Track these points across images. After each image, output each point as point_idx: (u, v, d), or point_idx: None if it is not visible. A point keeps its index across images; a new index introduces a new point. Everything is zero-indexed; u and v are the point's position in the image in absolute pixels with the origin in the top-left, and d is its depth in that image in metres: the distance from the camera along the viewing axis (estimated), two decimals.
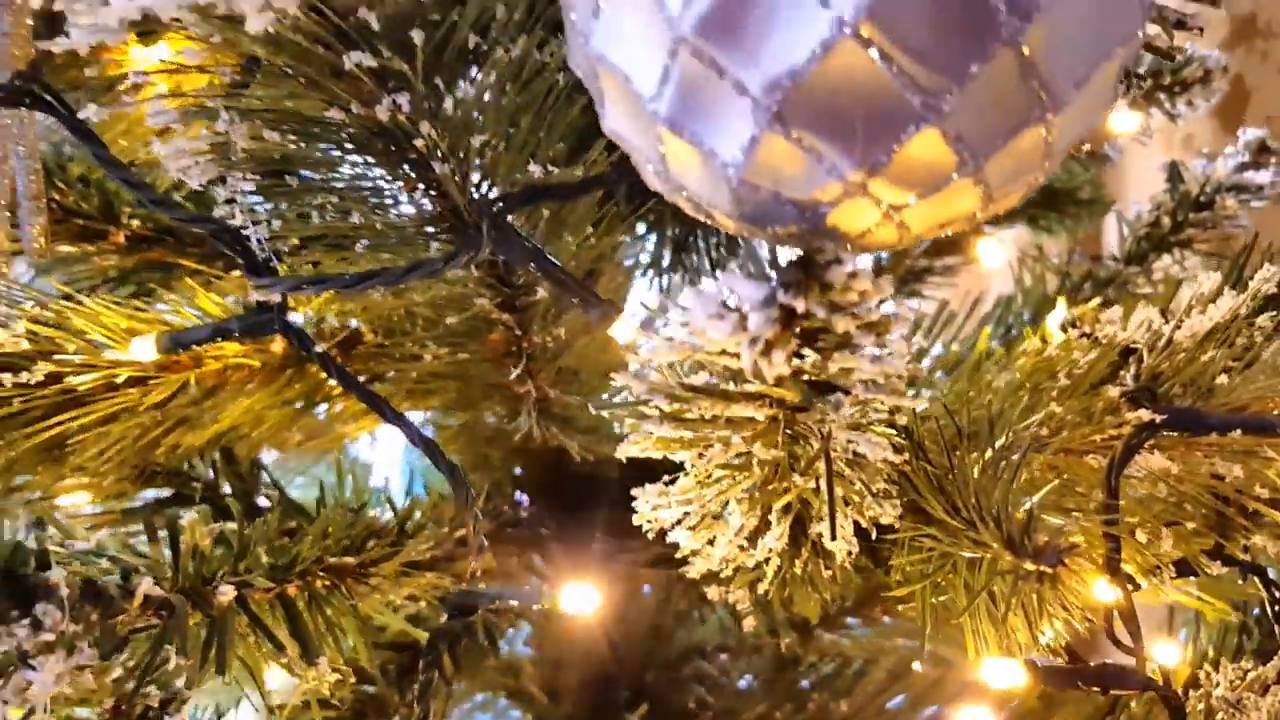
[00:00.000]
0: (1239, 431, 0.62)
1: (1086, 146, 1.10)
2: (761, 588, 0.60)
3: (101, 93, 0.70)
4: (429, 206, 0.59)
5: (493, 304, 0.66)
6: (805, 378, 0.44)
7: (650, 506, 0.53)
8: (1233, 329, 0.66)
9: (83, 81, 0.71)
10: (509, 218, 0.57)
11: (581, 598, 0.60)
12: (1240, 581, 0.72)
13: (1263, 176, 1.04)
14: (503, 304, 0.67)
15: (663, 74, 0.37)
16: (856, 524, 0.55)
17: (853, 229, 0.39)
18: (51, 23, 0.65)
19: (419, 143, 0.53)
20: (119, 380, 0.65)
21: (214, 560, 0.56)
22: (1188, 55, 0.96)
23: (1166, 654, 0.77)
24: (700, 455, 0.50)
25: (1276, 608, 0.71)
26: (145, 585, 0.50)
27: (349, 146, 0.56)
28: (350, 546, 0.65)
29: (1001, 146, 0.37)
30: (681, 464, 0.53)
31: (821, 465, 0.49)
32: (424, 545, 0.67)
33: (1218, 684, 0.70)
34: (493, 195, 0.57)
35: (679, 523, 0.55)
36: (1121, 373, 0.68)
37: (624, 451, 0.50)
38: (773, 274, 0.39)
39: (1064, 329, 0.81)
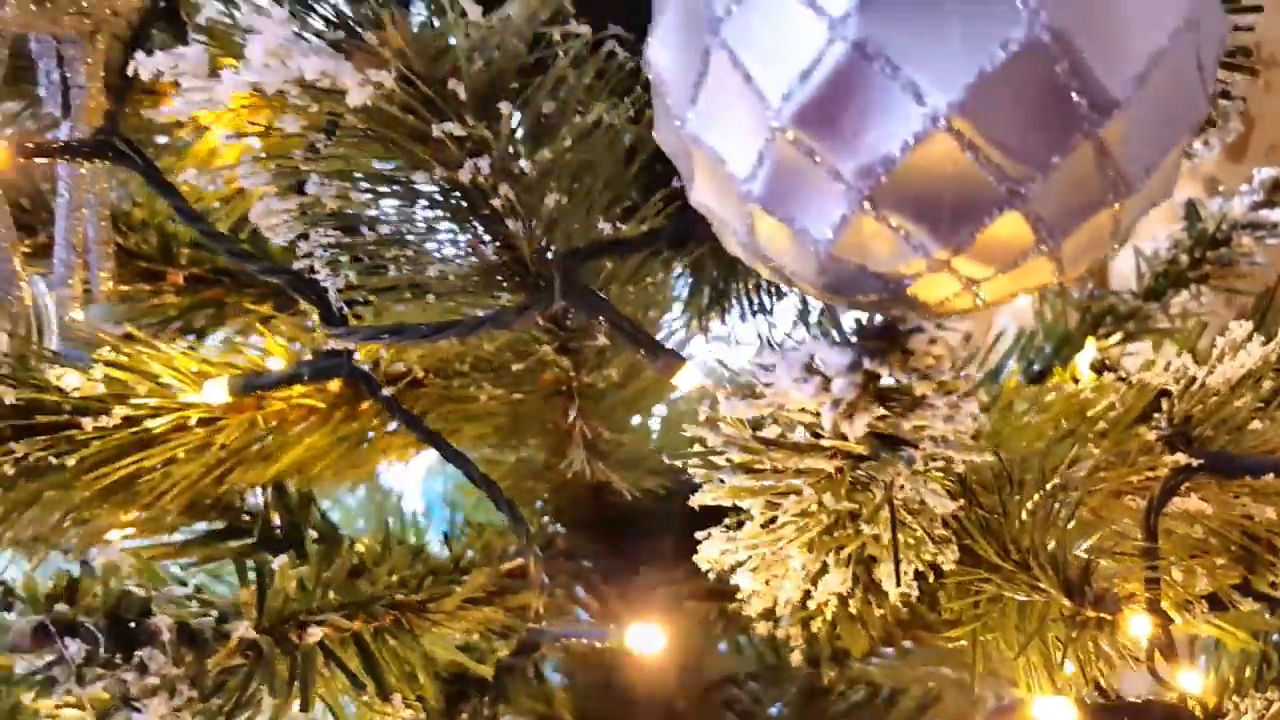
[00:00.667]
0: (1272, 475, 0.65)
1: None
2: (815, 625, 0.63)
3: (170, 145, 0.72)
4: (494, 258, 0.62)
5: (552, 349, 0.68)
6: (877, 432, 0.46)
7: (718, 552, 0.55)
8: (1263, 373, 0.68)
9: (143, 126, 0.73)
10: (578, 271, 0.59)
11: (647, 638, 0.62)
12: (1269, 615, 0.75)
13: (1277, 214, 1.07)
14: (559, 347, 0.70)
15: (758, 158, 0.40)
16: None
17: (932, 299, 0.42)
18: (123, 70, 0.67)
19: (495, 202, 0.56)
20: (190, 421, 0.67)
21: (294, 600, 0.58)
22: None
23: (1190, 682, 0.79)
24: (771, 505, 0.52)
25: None
26: (242, 629, 0.52)
27: (423, 203, 0.59)
28: (411, 583, 0.67)
29: (1077, 227, 0.39)
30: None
31: (885, 513, 0.52)
32: (481, 581, 0.69)
33: (1246, 712, 0.72)
34: (561, 250, 0.60)
35: (741, 565, 0.57)
36: (1155, 415, 0.71)
37: (698, 500, 0.52)
38: (858, 341, 0.41)
39: (1094, 369, 0.83)
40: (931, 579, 0.57)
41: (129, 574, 0.55)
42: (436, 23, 0.50)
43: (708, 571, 0.59)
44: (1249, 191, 1.08)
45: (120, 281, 0.81)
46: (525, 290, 0.62)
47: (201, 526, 0.86)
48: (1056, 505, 0.56)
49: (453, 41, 0.50)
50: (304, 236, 0.57)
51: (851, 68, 0.36)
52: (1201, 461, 0.64)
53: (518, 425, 0.80)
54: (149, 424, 0.65)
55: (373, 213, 0.57)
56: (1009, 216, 0.38)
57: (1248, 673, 0.89)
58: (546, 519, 0.96)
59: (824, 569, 0.57)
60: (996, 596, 0.57)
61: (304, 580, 0.60)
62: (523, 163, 0.55)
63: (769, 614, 0.62)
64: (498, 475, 0.87)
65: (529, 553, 0.64)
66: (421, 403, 0.78)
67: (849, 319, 0.45)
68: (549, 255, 0.61)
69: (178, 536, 0.84)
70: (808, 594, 0.59)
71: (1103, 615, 0.52)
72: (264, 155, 0.53)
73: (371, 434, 0.84)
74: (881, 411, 0.44)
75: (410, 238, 0.59)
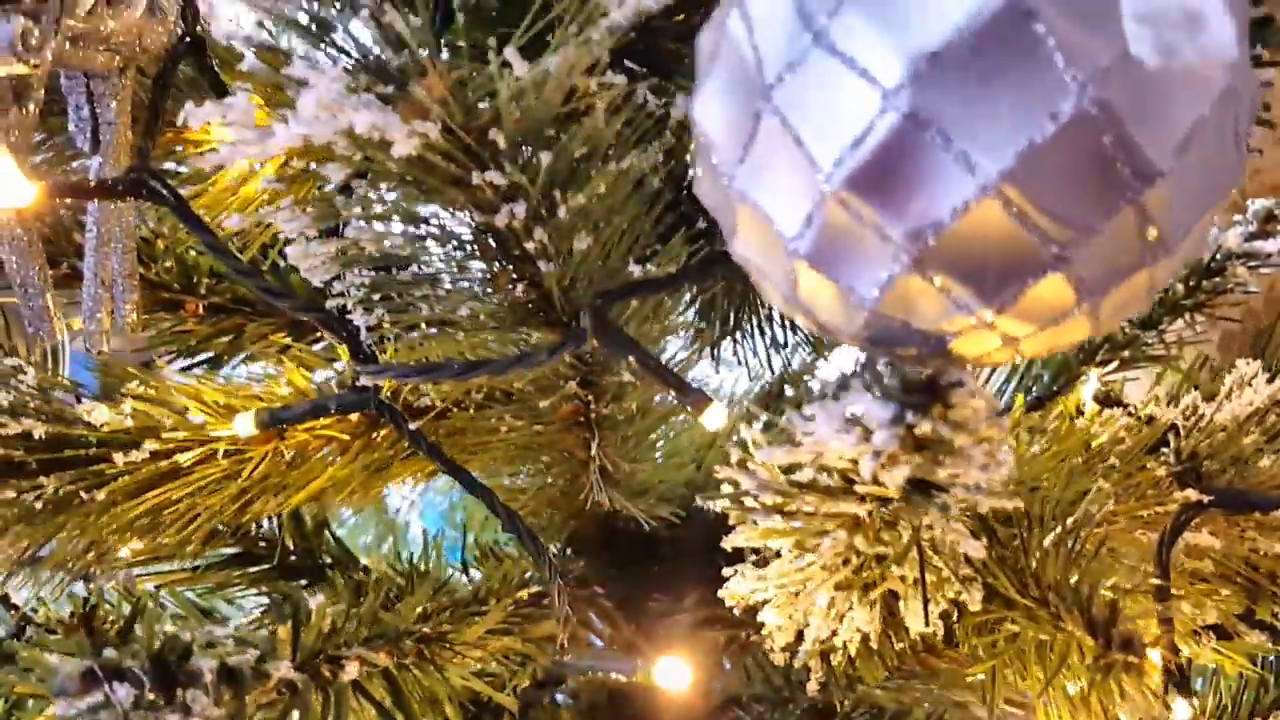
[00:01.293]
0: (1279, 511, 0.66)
1: None
2: (834, 659, 0.64)
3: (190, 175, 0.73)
4: (522, 296, 0.63)
5: (574, 383, 0.69)
6: (912, 479, 0.48)
7: (749, 590, 0.56)
8: (1270, 412, 0.70)
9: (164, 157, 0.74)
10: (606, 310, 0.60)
11: (675, 673, 0.63)
12: (1272, 644, 0.77)
13: (1271, 245, 1.09)
14: (581, 382, 0.71)
15: (806, 219, 0.41)
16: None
17: (971, 353, 0.43)
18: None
19: (529, 245, 0.57)
20: (218, 453, 0.68)
21: (325, 635, 0.59)
22: None
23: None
24: (800, 546, 0.53)
25: None
26: (283, 669, 0.52)
27: (452, 244, 0.60)
28: (436, 616, 0.68)
29: (1117, 287, 0.40)
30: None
31: (914, 554, 0.53)
32: (500, 616, 0.70)
33: None
34: (589, 289, 0.61)
35: (767, 602, 0.58)
36: (1163, 450, 0.72)
37: (731, 543, 0.53)
38: (901, 395, 0.43)
39: (1099, 401, 0.85)
40: (955, 616, 0.58)
41: (168, 612, 0.55)
42: (476, 73, 0.51)
43: (731, 608, 0.60)
44: (1242, 222, 1.10)
45: (143, 311, 0.81)
46: (550, 327, 0.63)
47: (216, 552, 0.87)
48: (1076, 541, 0.57)
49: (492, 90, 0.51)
50: (338, 276, 0.58)
51: (903, 137, 0.38)
52: (1212, 498, 0.66)
53: (537, 455, 0.81)
54: (179, 458, 0.66)
55: (407, 253, 0.58)
56: (1052, 278, 0.39)
57: (1245, 697, 0.90)
58: (555, 546, 0.97)
59: (849, 606, 0.59)
60: (1015, 634, 0.59)
61: (335, 618, 0.61)
62: (559, 209, 0.56)
63: (788, 646, 0.63)
64: (516, 504, 0.88)
65: (552, 585, 0.65)
66: (441, 432, 0.79)
67: (887, 368, 0.46)
68: (573, 294, 0.62)
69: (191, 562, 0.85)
70: (841, 636, 0.60)
71: (1130, 659, 0.53)
72: (301, 199, 0.54)
73: (390, 463, 0.85)
74: (919, 460, 0.45)
75: (443, 277, 0.60)
